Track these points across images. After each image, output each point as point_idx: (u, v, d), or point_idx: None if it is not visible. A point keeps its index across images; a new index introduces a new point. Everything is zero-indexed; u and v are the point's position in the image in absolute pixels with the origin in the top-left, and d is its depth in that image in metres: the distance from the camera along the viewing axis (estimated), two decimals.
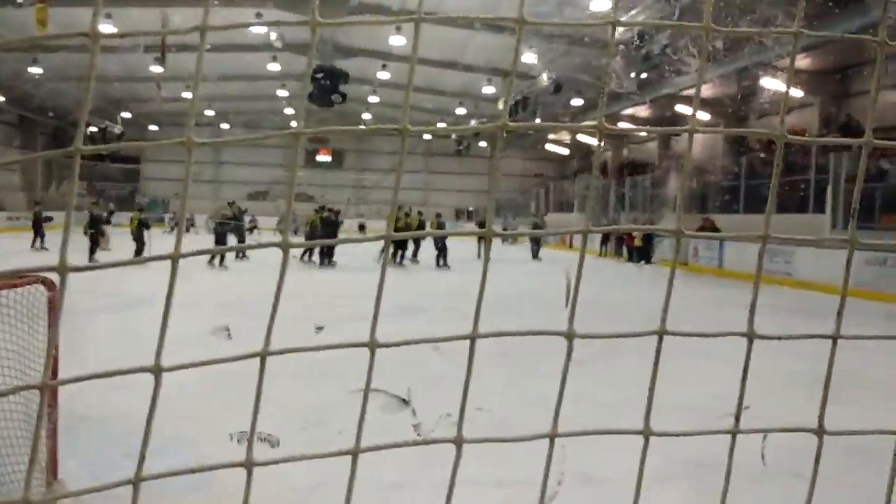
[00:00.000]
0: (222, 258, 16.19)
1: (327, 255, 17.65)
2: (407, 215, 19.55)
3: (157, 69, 24.08)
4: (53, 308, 2.98)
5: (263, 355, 0.74)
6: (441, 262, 17.87)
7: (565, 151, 41.69)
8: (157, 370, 0.68)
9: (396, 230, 18.28)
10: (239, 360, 0.76)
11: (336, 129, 0.89)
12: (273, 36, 21.24)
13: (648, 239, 21.89)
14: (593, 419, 4.41)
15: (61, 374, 2.96)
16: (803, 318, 8.94)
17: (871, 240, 13.21)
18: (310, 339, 6.87)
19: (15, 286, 2.92)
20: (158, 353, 0.71)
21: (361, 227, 34.01)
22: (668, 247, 21.26)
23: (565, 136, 38.12)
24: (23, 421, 3.02)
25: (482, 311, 0.86)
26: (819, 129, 19.67)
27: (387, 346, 0.78)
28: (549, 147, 41.16)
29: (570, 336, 0.82)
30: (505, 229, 19.53)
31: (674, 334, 0.86)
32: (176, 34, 0.82)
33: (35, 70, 25.80)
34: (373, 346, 0.77)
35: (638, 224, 22.69)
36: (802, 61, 18.41)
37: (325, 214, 18.65)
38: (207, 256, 15.30)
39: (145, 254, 14.09)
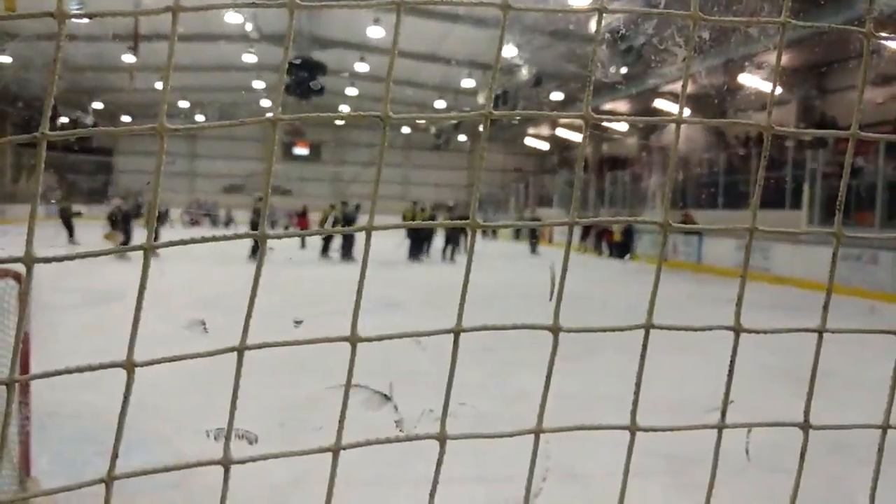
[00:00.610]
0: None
1: (347, 249, 17.49)
2: (423, 210, 19.73)
3: (129, 58, 23.68)
4: (24, 302, 2.90)
5: (240, 350, 0.71)
6: (449, 256, 18.24)
7: (545, 146, 41.82)
8: (129, 366, 0.66)
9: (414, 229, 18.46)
10: (215, 356, 0.74)
11: (314, 115, 0.85)
12: (249, 27, 20.96)
13: (628, 234, 22.02)
14: (577, 416, 4.41)
15: (33, 371, 2.90)
16: (783, 312, 9.04)
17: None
18: (291, 333, 6.79)
19: None
20: (131, 348, 0.69)
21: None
22: (647, 242, 21.42)
23: (545, 131, 38.23)
24: None
25: (470, 306, 0.83)
26: (796, 126, 19.88)
27: (368, 340, 0.76)
28: (529, 142, 41.26)
29: (555, 330, 0.81)
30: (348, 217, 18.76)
31: (661, 328, 0.85)
32: (147, 14, 0.78)
33: (3, 59, 25.28)
34: (354, 340, 0.75)
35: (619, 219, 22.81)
36: (783, 57, 18.57)
37: (347, 210, 18.58)
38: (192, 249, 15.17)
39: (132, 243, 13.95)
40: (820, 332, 0.89)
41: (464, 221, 0.83)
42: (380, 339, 0.78)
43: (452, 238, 18.48)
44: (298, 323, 8.43)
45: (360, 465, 3.51)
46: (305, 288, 11.15)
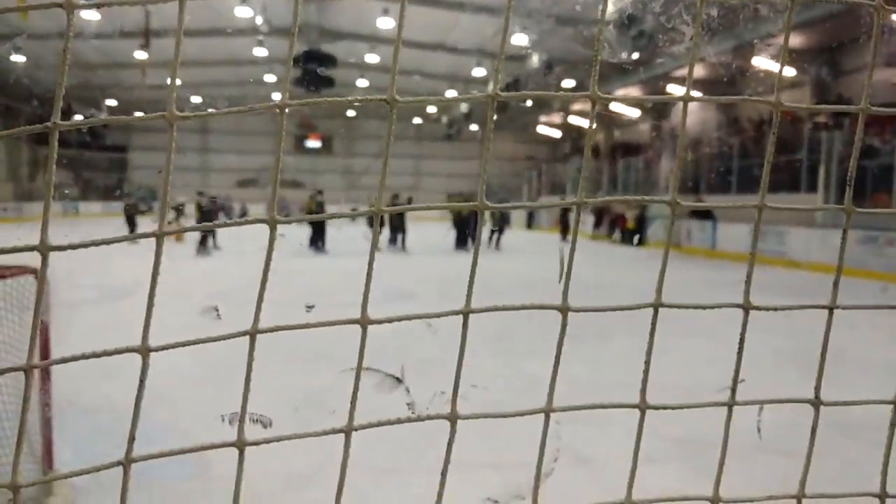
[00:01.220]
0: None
1: (315, 239, 17.87)
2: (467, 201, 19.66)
3: (141, 55, 23.81)
4: (41, 298, 2.94)
5: (253, 334, 0.72)
6: (494, 244, 18.90)
7: (557, 134, 41.61)
8: (144, 351, 0.67)
9: (460, 217, 18.96)
10: (227, 340, 0.74)
11: (322, 100, 0.86)
12: (259, 20, 21.00)
13: (641, 221, 21.94)
14: (588, 400, 4.42)
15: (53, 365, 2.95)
16: (798, 296, 8.96)
17: (862, 218, 13.26)
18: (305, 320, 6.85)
19: (4, 277, 2.92)
20: (145, 334, 0.69)
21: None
22: (660, 227, 21.33)
23: (556, 119, 38.04)
24: (17, 412, 3.01)
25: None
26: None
27: (378, 322, 0.76)
28: (541, 130, 41.07)
29: (564, 310, 0.81)
30: (499, 212, 19.53)
31: (670, 306, 0.86)
32: (155, 3, 0.77)
33: (17, 58, 25.48)
34: (364, 322, 0.75)
35: (631, 207, 22.70)
36: (793, 40, 18.37)
37: (319, 200, 19.01)
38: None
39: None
40: (830, 308, 0.90)
41: (472, 204, 0.84)
42: (389, 321, 0.77)
43: (497, 226, 19.40)
44: (310, 308, 8.49)
45: (376, 452, 3.55)
46: (322, 279, 11.21)
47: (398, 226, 17.98)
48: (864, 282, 11.54)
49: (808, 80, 20.16)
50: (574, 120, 36.92)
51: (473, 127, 40.04)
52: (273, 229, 0.75)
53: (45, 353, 3.04)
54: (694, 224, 19.07)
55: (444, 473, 0.81)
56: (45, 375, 3.10)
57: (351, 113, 41.53)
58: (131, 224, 18.68)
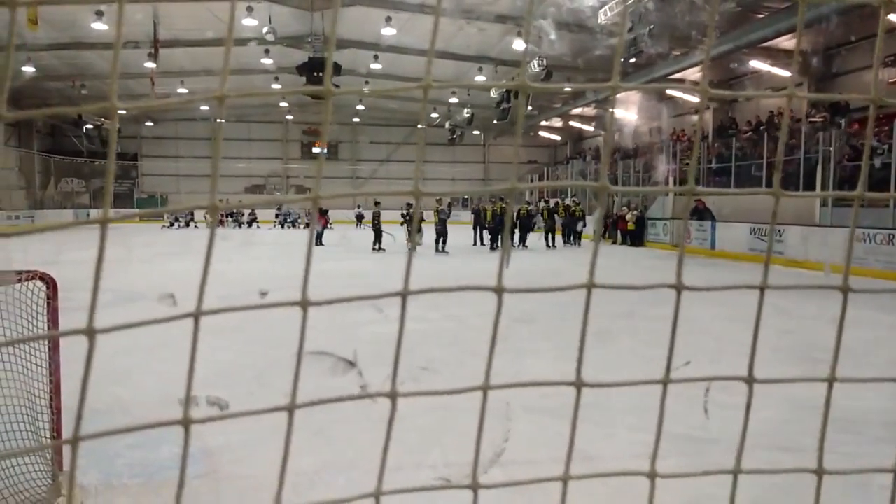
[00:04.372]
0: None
1: (443, 242, 19.07)
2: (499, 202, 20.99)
3: (150, 65, 24.10)
4: (52, 303, 3.08)
5: (197, 315, 0.73)
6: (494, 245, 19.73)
7: (558, 138, 41.78)
8: (90, 332, 0.70)
9: (495, 218, 19.94)
10: (174, 321, 0.75)
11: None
12: (265, 29, 21.26)
13: (641, 223, 22.08)
14: (590, 401, 4.57)
15: (64, 369, 3.06)
16: (795, 294, 9.11)
17: (862, 216, 13.38)
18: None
19: (14, 282, 2.96)
20: (91, 315, 0.70)
21: (360, 218, 33.94)
22: (660, 229, 21.45)
23: (557, 123, 38.17)
24: (27, 416, 3.09)
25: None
26: (808, 110, 19.78)
27: (318, 304, 0.77)
28: (543, 134, 41.24)
29: (499, 291, 0.82)
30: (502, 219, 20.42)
31: (601, 287, 0.87)
32: (96, 2, 0.84)
33: (28, 69, 25.80)
34: (304, 304, 0.76)
35: (630, 209, 22.83)
36: (789, 42, 18.50)
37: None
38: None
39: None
40: (761, 288, 0.92)
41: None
42: (329, 302, 0.79)
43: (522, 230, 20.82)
44: (264, 294, 8.70)
45: (379, 452, 3.69)
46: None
47: (441, 231, 18.93)
48: (861, 280, 11.69)
49: (805, 81, 20.29)
50: (575, 123, 37.10)
51: (475, 132, 40.17)
52: (213, 215, 0.77)
53: (55, 353, 3.08)
54: (693, 224, 19.19)
55: (385, 450, 0.83)
56: (56, 388, 3.08)
57: (356, 119, 41.75)
58: (378, 234, 19.91)
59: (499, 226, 20.13)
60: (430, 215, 21.75)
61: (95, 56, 26.24)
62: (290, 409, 0.78)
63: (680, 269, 0.91)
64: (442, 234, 18.91)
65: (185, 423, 0.75)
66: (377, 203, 20.10)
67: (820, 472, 0.96)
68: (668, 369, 0.93)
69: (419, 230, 19.95)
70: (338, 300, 0.80)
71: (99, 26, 21.19)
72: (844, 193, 1.21)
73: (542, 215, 22.49)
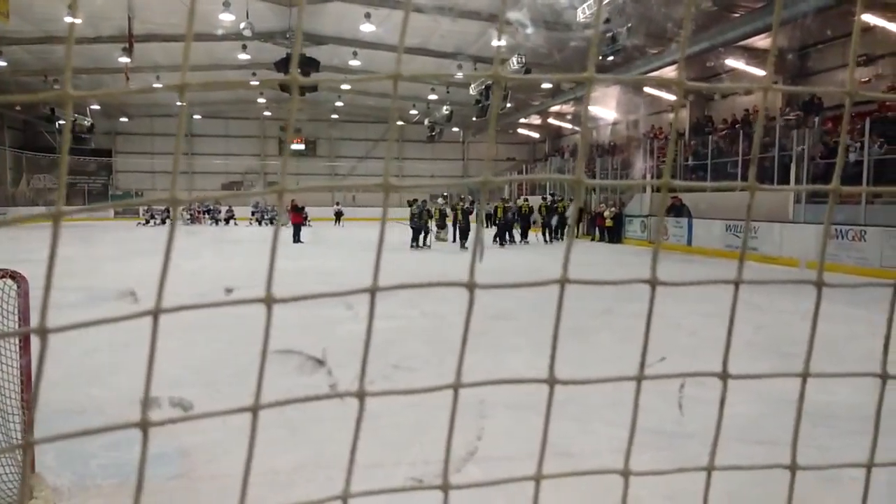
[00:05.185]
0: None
1: (464, 238, 19.58)
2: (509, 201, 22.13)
3: (124, 60, 23.76)
4: (23, 301, 3.03)
5: (155, 313, 0.71)
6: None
7: (536, 135, 41.95)
8: (42, 331, 0.68)
9: (506, 213, 20.65)
10: (132, 319, 0.74)
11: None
12: (242, 24, 21.06)
13: (619, 220, 22.26)
14: (567, 398, 4.60)
15: (34, 368, 3.03)
16: (769, 290, 9.23)
17: (834, 213, 13.60)
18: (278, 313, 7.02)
19: None
20: (43, 315, 0.68)
21: (338, 216, 33.88)
22: (637, 226, 21.64)
23: (536, 120, 38.32)
24: None
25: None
26: (782, 108, 20.06)
27: (284, 301, 0.76)
28: (521, 131, 41.37)
29: (471, 287, 0.80)
30: (441, 214, 20.98)
31: (575, 282, 0.87)
32: None
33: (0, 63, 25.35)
34: (269, 301, 0.75)
35: (609, 206, 23.01)
36: (765, 41, 18.72)
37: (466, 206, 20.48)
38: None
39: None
40: (736, 283, 0.92)
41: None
42: (294, 299, 0.77)
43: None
44: (229, 291, 8.65)
45: (360, 449, 3.68)
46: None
47: (465, 228, 19.52)
48: (832, 275, 11.86)
49: (779, 81, 20.57)
50: (553, 121, 37.27)
51: (455, 129, 40.19)
52: (174, 208, 0.78)
53: (25, 352, 3.04)
54: (670, 221, 19.39)
55: (353, 450, 0.81)
56: (28, 380, 3.02)
57: (334, 116, 41.56)
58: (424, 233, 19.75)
59: (509, 223, 21.00)
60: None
61: (66, 49, 25.79)
62: (255, 409, 0.76)
63: (654, 264, 0.90)
64: (465, 230, 19.52)
65: (144, 425, 0.73)
66: (414, 201, 19.79)
67: (793, 468, 0.97)
68: (642, 365, 0.93)
69: (443, 227, 20.92)
70: (303, 297, 0.78)
71: (72, 20, 20.86)
72: (819, 187, 1.24)
73: (541, 212, 23.05)
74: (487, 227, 22.14)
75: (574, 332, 6.72)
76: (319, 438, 3.92)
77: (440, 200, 22.84)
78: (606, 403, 4.42)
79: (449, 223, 21.12)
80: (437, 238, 20.55)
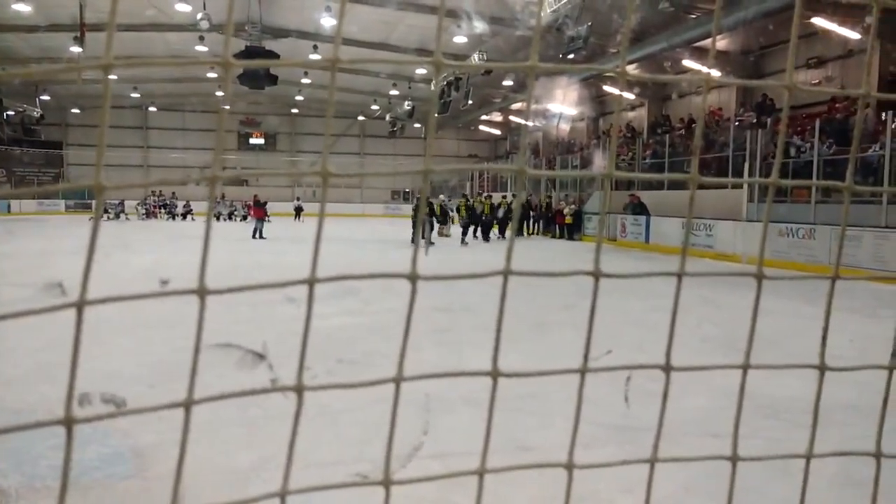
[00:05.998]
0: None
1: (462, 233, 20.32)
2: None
3: (76, 49, 23.12)
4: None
5: (80, 305, 0.69)
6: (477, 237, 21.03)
7: (497, 132, 42.18)
8: None
9: (493, 210, 21.35)
10: (58, 311, 0.72)
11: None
12: (199, 15, 20.67)
13: (578, 216, 22.52)
14: (525, 392, 4.64)
15: None
16: (724, 286, 9.45)
17: (785, 212, 13.99)
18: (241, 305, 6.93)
19: None
20: None
21: (298, 211, 33.44)
22: (597, 223, 21.92)
23: (497, 117, 38.51)
24: None
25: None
26: (736, 108, 20.52)
27: (218, 292, 0.74)
28: (483, 128, 41.54)
29: (413, 278, 0.81)
30: (443, 210, 20.87)
31: (518, 274, 0.90)
32: None
33: None
34: (202, 292, 0.73)
35: (569, 202, 23.25)
36: (719, 42, 19.10)
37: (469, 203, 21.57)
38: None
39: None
40: (679, 275, 0.98)
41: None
42: (230, 291, 0.75)
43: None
44: (165, 283, 8.52)
45: (320, 447, 3.65)
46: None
47: (465, 224, 20.49)
48: (786, 274, 12.21)
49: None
50: (515, 118, 37.47)
51: (416, 125, 40.14)
52: (99, 202, 0.75)
53: None
54: (628, 219, 19.70)
55: (291, 445, 0.81)
56: None
57: (295, 110, 41.12)
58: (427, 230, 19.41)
59: (503, 218, 21.69)
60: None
61: (16, 39, 25.03)
62: (188, 405, 0.75)
63: (598, 255, 0.95)
64: (466, 226, 20.37)
65: (68, 422, 0.70)
66: (416, 198, 20.38)
67: (734, 459, 1.01)
68: (585, 358, 0.97)
69: (445, 223, 21.26)
70: (238, 289, 0.75)
71: (20, 7, 20.23)
72: (759, 180, 1.28)
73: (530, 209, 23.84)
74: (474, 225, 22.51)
75: (535, 327, 6.77)
76: (278, 435, 3.84)
77: (441, 197, 23.05)
78: (566, 398, 4.46)
79: (450, 221, 21.68)
80: (440, 234, 20.93)
